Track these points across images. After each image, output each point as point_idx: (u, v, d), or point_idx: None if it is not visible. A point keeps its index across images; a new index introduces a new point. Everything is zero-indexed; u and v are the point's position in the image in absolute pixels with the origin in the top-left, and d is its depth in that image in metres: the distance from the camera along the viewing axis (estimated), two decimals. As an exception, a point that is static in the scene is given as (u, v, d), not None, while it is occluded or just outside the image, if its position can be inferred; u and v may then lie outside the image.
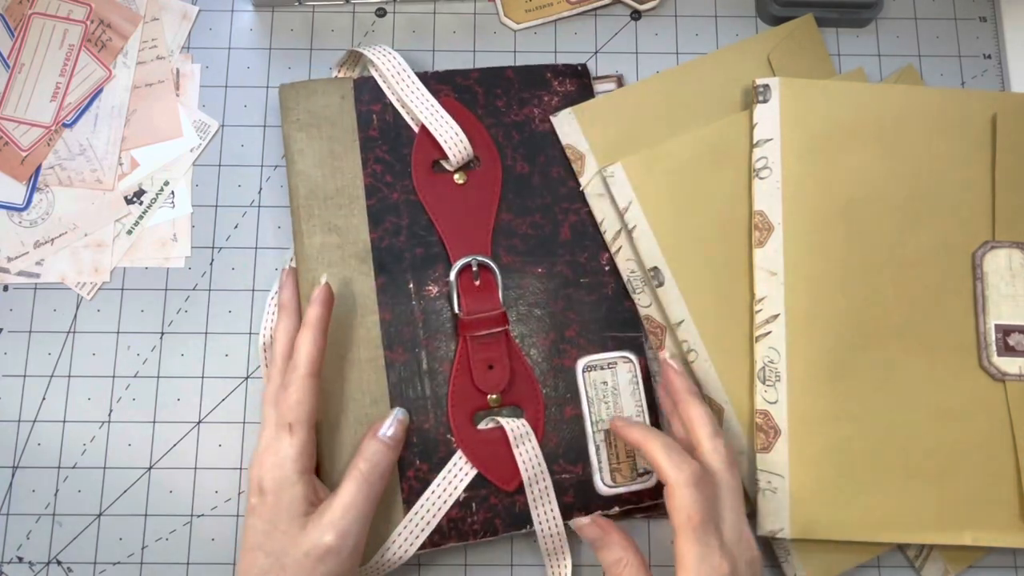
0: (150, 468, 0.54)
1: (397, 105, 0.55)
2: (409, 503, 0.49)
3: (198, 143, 0.58)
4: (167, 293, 0.56)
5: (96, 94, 0.58)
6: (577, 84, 0.57)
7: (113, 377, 0.55)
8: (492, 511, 0.50)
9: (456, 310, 0.52)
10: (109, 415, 0.54)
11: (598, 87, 0.58)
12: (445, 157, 0.54)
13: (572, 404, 0.52)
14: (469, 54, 0.60)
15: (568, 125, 0.56)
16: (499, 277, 0.52)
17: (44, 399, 0.54)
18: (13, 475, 0.53)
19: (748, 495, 0.52)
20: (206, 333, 0.55)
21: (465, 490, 0.50)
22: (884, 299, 0.52)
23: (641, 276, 0.54)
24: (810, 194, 0.53)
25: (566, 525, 0.50)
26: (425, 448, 0.50)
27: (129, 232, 0.57)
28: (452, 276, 0.52)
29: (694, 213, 0.54)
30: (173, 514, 0.53)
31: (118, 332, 0.55)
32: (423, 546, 0.49)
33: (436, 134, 0.53)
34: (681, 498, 0.43)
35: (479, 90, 0.56)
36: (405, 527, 0.49)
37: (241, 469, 0.54)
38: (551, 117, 0.56)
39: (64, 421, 0.54)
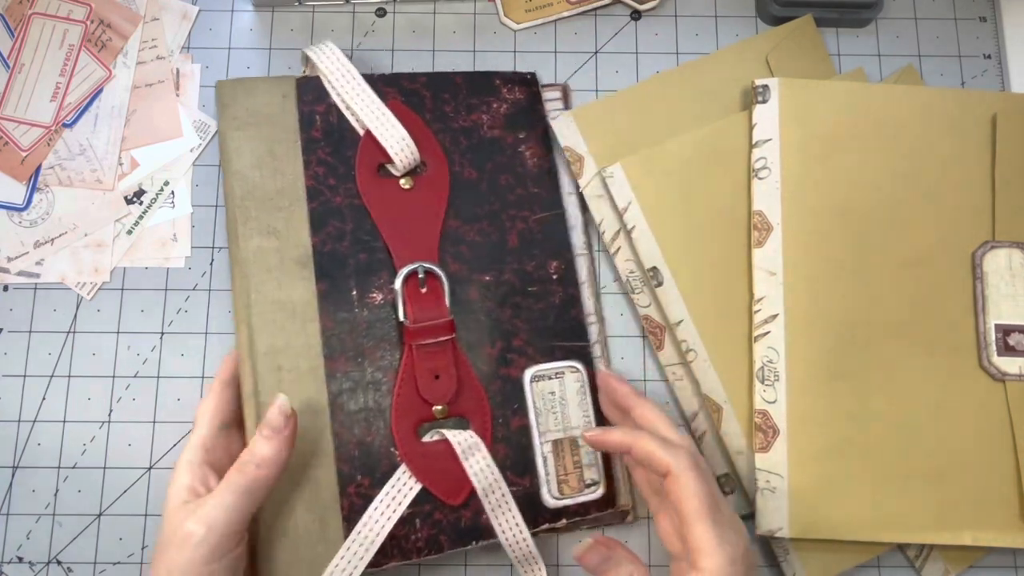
0: (150, 468, 0.54)
1: (342, 107, 0.53)
2: (350, 520, 0.47)
3: (198, 143, 0.58)
4: (167, 293, 0.56)
5: (96, 94, 0.58)
6: (526, 92, 0.56)
7: (113, 377, 0.55)
8: (437, 527, 0.48)
9: (402, 318, 0.50)
10: (109, 415, 0.54)
11: (544, 94, 0.58)
12: (391, 161, 0.52)
13: (519, 415, 0.51)
14: (469, 54, 0.60)
15: (567, 128, 0.56)
16: (446, 284, 0.51)
17: (44, 399, 0.54)
18: (13, 475, 0.53)
19: (747, 494, 0.52)
20: (206, 333, 0.55)
21: (409, 506, 0.48)
22: (883, 299, 0.52)
23: (640, 276, 0.54)
24: (809, 194, 0.53)
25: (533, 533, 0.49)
26: (367, 462, 0.48)
27: (129, 232, 0.57)
28: (398, 283, 0.50)
29: (693, 213, 0.54)
30: (173, 514, 0.53)
31: (118, 332, 0.55)
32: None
33: (381, 138, 0.52)
34: (687, 483, 0.42)
35: (427, 94, 0.55)
36: (348, 548, 0.46)
37: (241, 469, 0.54)
38: (551, 120, 0.56)
39: (64, 421, 0.54)
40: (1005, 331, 0.52)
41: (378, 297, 0.51)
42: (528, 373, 0.51)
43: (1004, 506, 0.50)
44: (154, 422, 0.54)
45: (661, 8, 0.61)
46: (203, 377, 0.55)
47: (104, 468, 0.53)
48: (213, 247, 0.56)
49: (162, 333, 0.55)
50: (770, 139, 0.54)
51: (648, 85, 0.58)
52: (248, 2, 0.60)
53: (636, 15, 0.61)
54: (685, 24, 0.61)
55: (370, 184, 0.52)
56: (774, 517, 0.50)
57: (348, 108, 0.53)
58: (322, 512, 0.47)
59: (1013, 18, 0.61)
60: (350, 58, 0.56)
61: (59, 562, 0.52)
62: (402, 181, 0.53)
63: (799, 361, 0.51)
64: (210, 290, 0.56)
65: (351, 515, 0.47)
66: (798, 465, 0.50)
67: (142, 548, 0.52)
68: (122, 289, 0.56)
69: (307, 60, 0.56)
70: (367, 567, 0.46)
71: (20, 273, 0.56)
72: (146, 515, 0.53)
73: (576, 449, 0.51)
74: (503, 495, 0.49)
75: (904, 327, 0.52)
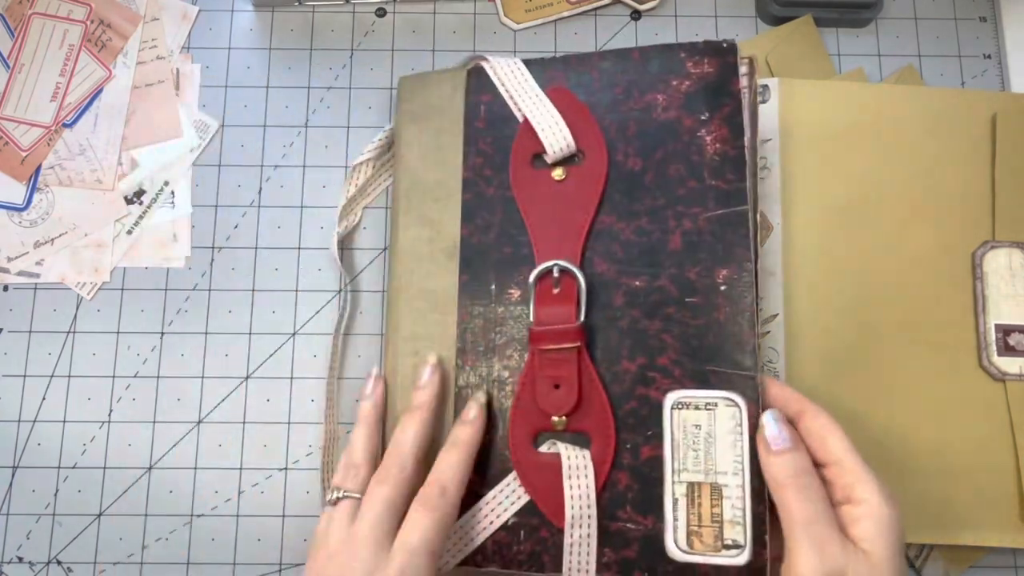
0: (150, 468, 0.54)
1: (505, 96, 0.51)
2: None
3: (198, 143, 0.58)
4: (167, 293, 0.56)
5: (96, 94, 0.58)
6: (718, 65, 0.48)
7: (113, 377, 0.55)
8: (540, 544, 0.45)
9: (531, 318, 0.47)
10: (109, 415, 0.54)
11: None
12: (545, 150, 0.49)
13: (653, 444, 0.45)
14: (469, 54, 0.60)
15: None
16: (582, 286, 0.46)
17: (44, 399, 0.54)
18: (13, 475, 0.53)
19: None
20: (206, 333, 0.55)
21: (515, 514, 0.45)
22: (883, 299, 0.52)
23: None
24: (809, 194, 0.53)
25: None
26: (481, 460, 0.46)
27: (129, 232, 0.57)
28: (531, 280, 0.47)
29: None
30: (173, 514, 0.53)
31: (118, 332, 0.55)
32: (463, 562, 0.46)
33: (535, 124, 0.48)
34: (830, 421, 0.41)
35: (596, 76, 0.50)
36: (448, 539, 0.46)
37: (241, 469, 0.54)
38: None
39: (64, 421, 0.54)
40: (1005, 331, 0.52)
41: (516, 294, 0.48)
42: (670, 398, 0.45)
43: (1004, 506, 0.50)
44: (154, 422, 0.54)
45: (661, 8, 0.61)
46: (203, 377, 0.55)
47: (104, 468, 0.53)
48: (213, 247, 0.56)
49: (162, 333, 0.55)
50: (770, 139, 0.54)
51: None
52: (248, 2, 0.60)
53: (636, 15, 0.61)
54: (685, 24, 0.61)
55: (522, 175, 0.49)
56: (774, 517, 0.50)
57: (511, 97, 0.51)
58: None
59: (1013, 18, 0.61)
60: (350, 58, 0.56)
61: (59, 562, 0.52)
62: (555, 172, 0.49)
63: (798, 361, 0.51)
64: (210, 290, 0.56)
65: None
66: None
67: (142, 548, 0.52)
68: (122, 289, 0.56)
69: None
70: (469, 564, 0.46)
71: (20, 273, 0.56)
72: (146, 515, 0.53)
73: (718, 499, 0.43)
74: (589, 534, 0.44)
75: (904, 327, 0.52)
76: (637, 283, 0.47)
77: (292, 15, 0.60)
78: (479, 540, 0.46)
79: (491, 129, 0.51)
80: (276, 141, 0.58)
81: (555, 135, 0.48)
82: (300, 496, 0.53)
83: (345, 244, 0.56)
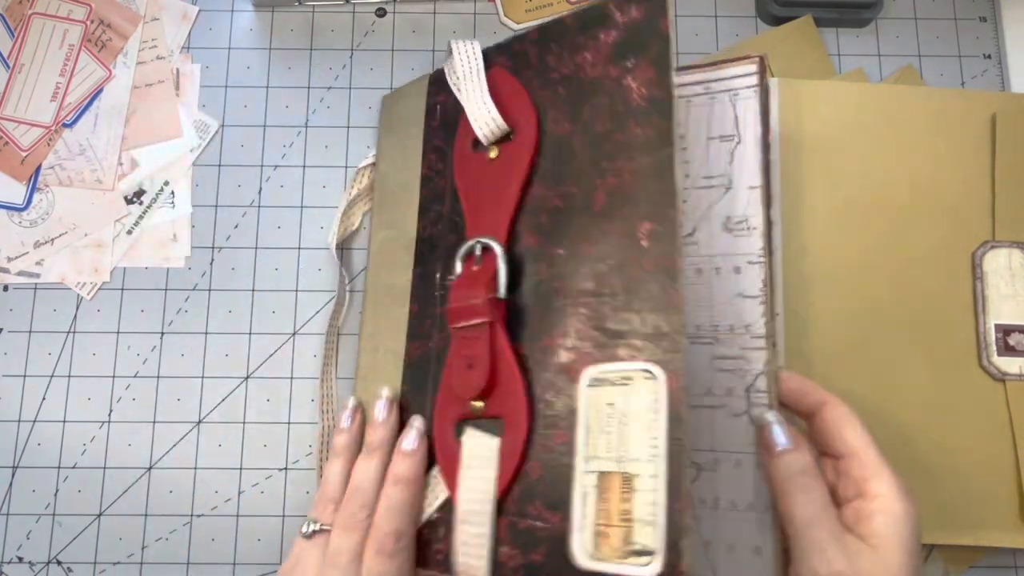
0: (150, 468, 0.54)
1: (455, 91, 0.50)
2: None
3: (198, 143, 0.58)
4: (167, 293, 0.56)
5: (96, 94, 0.58)
6: (644, 9, 0.43)
7: (113, 377, 0.55)
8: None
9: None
10: (109, 415, 0.54)
11: (728, 70, 0.48)
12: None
13: (565, 428, 0.39)
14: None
15: None
16: (500, 260, 0.43)
17: (44, 399, 0.54)
18: (13, 475, 0.53)
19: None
20: (206, 333, 0.55)
21: (437, 510, 0.42)
22: (883, 299, 0.52)
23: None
24: (809, 194, 0.53)
25: None
26: None
27: (129, 232, 0.57)
28: (457, 261, 0.45)
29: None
30: (173, 514, 0.53)
31: (118, 332, 0.55)
32: None
33: (466, 108, 0.48)
34: (847, 412, 0.41)
35: (532, 51, 0.48)
36: None
37: (241, 469, 0.54)
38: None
39: (64, 421, 0.54)
40: (1005, 331, 0.52)
41: (454, 279, 0.46)
42: (587, 375, 0.39)
43: (1004, 506, 0.50)
44: (154, 422, 0.54)
45: (661, 8, 0.61)
46: (203, 377, 0.55)
47: (104, 468, 0.53)
48: (213, 247, 0.56)
49: (162, 333, 0.55)
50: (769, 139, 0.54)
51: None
52: (248, 2, 0.60)
53: (636, 15, 0.61)
54: (685, 24, 0.61)
55: (463, 160, 0.49)
56: (774, 517, 0.50)
57: (459, 90, 0.50)
58: None
59: (1013, 18, 0.61)
60: (350, 58, 0.56)
61: (59, 562, 0.52)
62: (490, 152, 0.47)
63: (798, 361, 0.51)
64: (210, 290, 0.56)
65: None
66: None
67: (142, 548, 0.52)
68: (122, 289, 0.56)
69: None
70: None
71: (20, 273, 0.56)
72: (146, 515, 0.53)
73: (628, 492, 0.35)
74: (482, 535, 0.39)
75: (904, 327, 0.52)
76: (560, 251, 0.42)
77: (292, 15, 0.60)
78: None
79: (444, 126, 0.51)
80: (276, 141, 0.58)
81: (482, 117, 0.47)
82: (300, 496, 0.53)
83: (344, 244, 0.56)
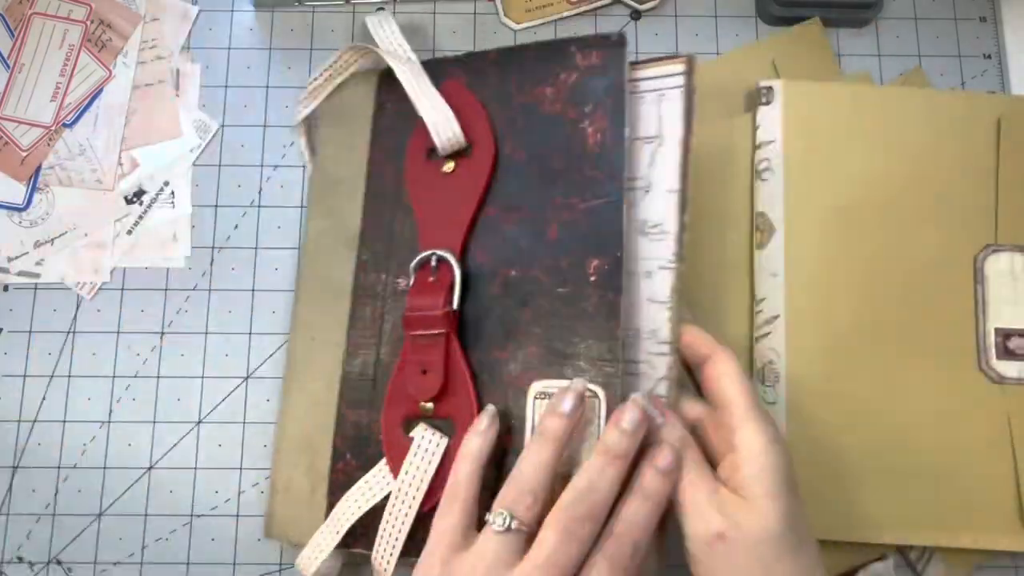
0: (150, 468, 0.54)
1: (410, 94, 0.51)
2: (333, 494, 0.48)
3: (198, 143, 0.58)
4: (167, 293, 0.56)
5: (96, 94, 0.58)
6: (604, 56, 0.47)
7: (113, 377, 0.55)
8: None
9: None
10: (109, 415, 0.54)
11: (656, 70, 0.48)
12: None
13: (514, 433, 0.44)
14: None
15: None
16: (456, 275, 0.47)
17: (44, 399, 0.54)
18: (13, 475, 0.53)
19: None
20: (206, 333, 0.55)
21: (385, 498, 0.46)
22: (885, 301, 0.52)
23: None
24: (812, 196, 0.53)
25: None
26: (358, 444, 0.48)
27: (129, 232, 0.57)
28: (411, 269, 0.48)
29: (695, 214, 0.54)
30: (173, 514, 0.53)
31: (118, 332, 0.55)
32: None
33: (426, 118, 0.50)
34: (730, 364, 0.42)
35: (492, 71, 0.51)
36: (326, 525, 0.48)
37: (241, 469, 0.54)
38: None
39: (64, 421, 0.54)
40: (1005, 335, 0.52)
41: (403, 283, 0.50)
42: (534, 387, 0.44)
43: (1003, 508, 0.50)
44: (154, 422, 0.54)
45: (661, 8, 0.61)
46: (203, 377, 0.55)
47: (104, 468, 0.53)
48: (213, 247, 0.56)
49: (162, 333, 0.55)
50: (773, 140, 0.54)
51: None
52: (248, 2, 0.60)
53: (636, 15, 0.61)
54: (685, 24, 0.61)
55: (416, 168, 0.51)
56: (774, 517, 0.50)
57: (412, 94, 0.51)
58: (315, 480, 0.49)
59: (1013, 18, 0.61)
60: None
61: (59, 562, 0.52)
62: (446, 165, 0.50)
63: (800, 362, 0.51)
64: (210, 290, 0.56)
65: (334, 489, 0.48)
66: (797, 465, 0.50)
67: (142, 548, 0.52)
68: (122, 289, 0.56)
69: (365, 30, 0.56)
70: (340, 545, 0.47)
71: (20, 273, 0.56)
72: (146, 515, 0.53)
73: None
74: (406, 515, 0.44)
75: (905, 329, 0.52)
76: (513, 273, 0.47)
77: (292, 15, 0.60)
78: (348, 525, 0.47)
79: (395, 127, 0.53)
80: (276, 141, 0.58)
81: (444, 129, 0.49)
82: (300, 496, 0.53)
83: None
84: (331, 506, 0.48)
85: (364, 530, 0.47)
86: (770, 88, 0.55)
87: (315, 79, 0.56)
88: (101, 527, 0.53)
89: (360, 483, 0.47)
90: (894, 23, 0.61)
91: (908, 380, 0.51)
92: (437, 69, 0.52)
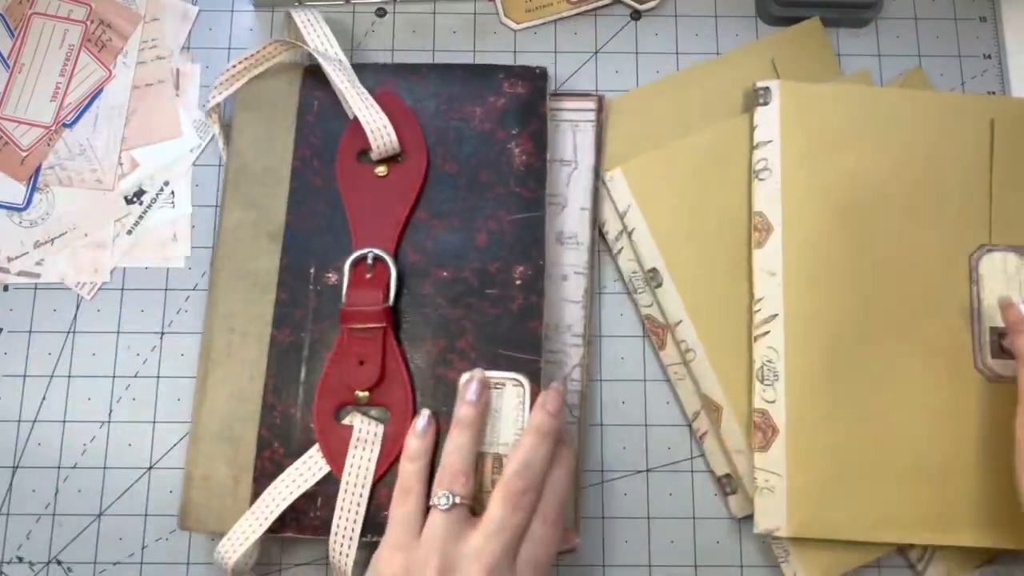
0: (150, 468, 0.54)
1: (339, 94, 0.54)
2: (259, 483, 0.49)
3: (198, 143, 0.58)
4: (167, 293, 0.56)
5: (96, 94, 0.58)
6: (529, 87, 0.55)
7: (113, 377, 0.55)
8: (334, 511, 0.48)
9: (343, 300, 0.51)
10: (109, 415, 0.54)
11: (573, 103, 0.56)
12: (371, 148, 0.53)
13: (447, 418, 0.48)
14: (469, 54, 0.60)
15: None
16: (393, 273, 0.51)
17: (44, 399, 0.54)
18: (13, 475, 0.53)
19: (748, 495, 0.52)
20: (206, 333, 0.55)
21: (316, 484, 0.49)
22: (881, 300, 0.52)
23: (642, 276, 0.55)
24: (809, 196, 0.53)
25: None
26: (286, 432, 0.50)
27: (129, 232, 0.57)
28: (346, 266, 0.51)
29: (694, 215, 0.54)
30: (173, 514, 0.53)
31: (118, 332, 0.55)
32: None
33: (364, 124, 0.52)
34: None
35: (424, 84, 0.55)
36: (252, 512, 0.48)
37: (241, 469, 0.54)
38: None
39: (64, 421, 0.54)
40: (1000, 334, 0.52)
41: (333, 278, 0.52)
42: (464, 377, 0.49)
43: (1000, 507, 0.50)
44: (154, 422, 0.54)
45: (661, 8, 0.61)
46: (203, 377, 0.55)
47: (104, 468, 0.54)
48: (213, 247, 0.56)
49: (162, 333, 0.55)
50: (771, 141, 0.54)
51: (658, 86, 0.58)
52: (248, 2, 0.60)
53: (636, 15, 0.61)
54: (685, 24, 0.61)
55: (347, 169, 0.53)
56: (772, 516, 0.50)
57: (343, 96, 0.53)
58: (238, 470, 0.50)
59: (1013, 18, 0.61)
60: (350, 58, 0.56)
61: (59, 562, 0.52)
62: (379, 169, 0.53)
63: (798, 361, 0.51)
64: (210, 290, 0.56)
65: (261, 478, 0.49)
66: (797, 464, 0.50)
67: (142, 548, 0.53)
68: (122, 289, 0.56)
69: (289, 22, 0.57)
70: (266, 532, 0.48)
71: (20, 273, 0.56)
72: (146, 515, 0.53)
73: (498, 467, 0.47)
74: (360, 503, 0.48)
75: (901, 328, 0.52)
76: (445, 274, 0.52)
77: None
78: (279, 510, 0.48)
79: (322, 124, 0.54)
80: (276, 141, 0.58)
81: (381, 135, 0.52)
82: (300, 496, 0.53)
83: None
84: (256, 494, 0.49)
85: (295, 515, 0.49)
86: (767, 89, 0.55)
87: (232, 67, 0.55)
88: (101, 527, 0.53)
89: (291, 469, 0.49)
90: (894, 23, 0.61)
91: (905, 378, 0.51)
92: (367, 75, 0.55)
